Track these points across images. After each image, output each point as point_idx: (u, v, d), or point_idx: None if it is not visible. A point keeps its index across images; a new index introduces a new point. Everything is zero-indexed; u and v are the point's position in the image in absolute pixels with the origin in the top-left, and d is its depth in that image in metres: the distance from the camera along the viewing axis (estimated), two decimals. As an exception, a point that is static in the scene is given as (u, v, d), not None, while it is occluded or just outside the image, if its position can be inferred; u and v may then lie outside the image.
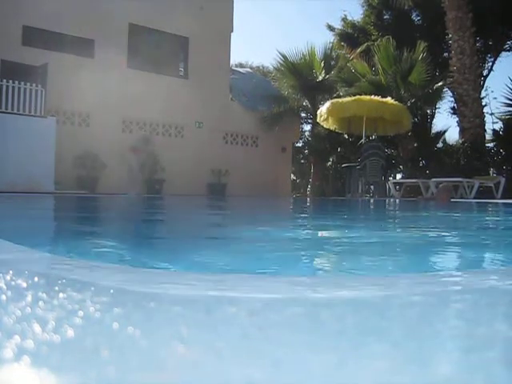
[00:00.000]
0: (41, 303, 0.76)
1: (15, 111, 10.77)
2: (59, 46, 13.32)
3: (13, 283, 0.95)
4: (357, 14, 25.12)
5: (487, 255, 2.61)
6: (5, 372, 0.49)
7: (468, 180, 12.70)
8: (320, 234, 3.74)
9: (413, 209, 9.33)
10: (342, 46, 20.13)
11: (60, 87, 12.08)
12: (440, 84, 15.91)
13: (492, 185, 12.97)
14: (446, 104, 19.44)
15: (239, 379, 0.50)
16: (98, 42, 14.01)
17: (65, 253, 2.08)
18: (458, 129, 17.05)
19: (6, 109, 10.67)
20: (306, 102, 18.34)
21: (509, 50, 19.52)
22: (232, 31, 17.08)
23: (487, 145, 15.65)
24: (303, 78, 17.40)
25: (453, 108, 18.71)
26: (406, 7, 19.56)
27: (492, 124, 17.15)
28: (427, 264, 2.21)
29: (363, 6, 20.68)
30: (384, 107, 13.12)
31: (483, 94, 17.26)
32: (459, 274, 1.64)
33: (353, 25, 21.25)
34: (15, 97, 10.84)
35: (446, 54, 17.73)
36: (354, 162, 14.65)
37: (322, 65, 17.69)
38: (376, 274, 1.79)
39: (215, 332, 0.67)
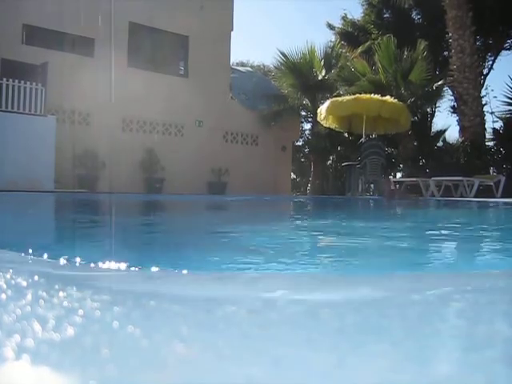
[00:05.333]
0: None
1: (15, 110, 10.76)
2: (59, 44, 13.31)
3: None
4: (357, 12, 25.03)
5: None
6: None
7: (468, 179, 12.68)
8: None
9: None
10: (343, 44, 20.08)
11: (60, 86, 12.06)
12: (440, 83, 15.87)
13: (492, 183, 12.95)
14: (446, 103, 19.38)
15: (239, 378, 0.50)
16: (98, 40, 13.99)
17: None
18: (458, 127, 17.03)
19: (7, 108, 10.66)
20: (306, 101, 18.31)
21: (509, 49, 19.48)
22: (232, 30, 17.06)
23: (487, 143, 15.61)
24: (303, 77, 17.37)
25: (453, 107, 18.66)
26: (406, 6, 19.51)
27: (492, 123, 17.10)
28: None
29: (363, 5, 20.62)
30: (383, 106, 13.09)
31: (483, 92, 17.23)
32: (458, 273, 1.64)
33: (353, 23, 21.20)
34: (15, 96, 10.83)
35: (446, 53, 17.68)
36: (354, 160, 14.63)
37: (322, 64, 17.66)
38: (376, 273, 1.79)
39: (215, 331, 0.67)
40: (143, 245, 2.78)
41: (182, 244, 2.75)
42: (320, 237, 3.79)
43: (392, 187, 13.02)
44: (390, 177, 17.54)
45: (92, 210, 6.78)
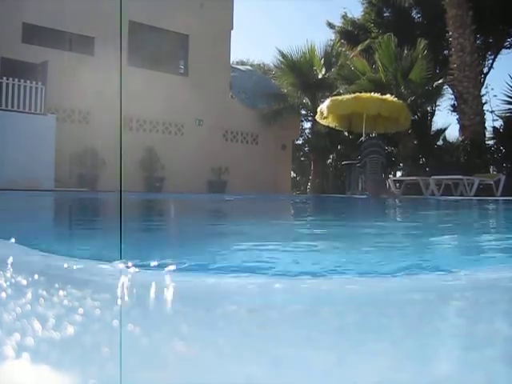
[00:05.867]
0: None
1: (15, 109, 10.76)
2: (59, 43, 13.29)
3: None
4: (357, 11, 25.02)
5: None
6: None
7: (468, 178, 12.68)
8: None
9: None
10: (343, 43, 20.06)
11: (60, 85, 12.06)
12: (440, 81, 15.87)
13: (492, 182, 12.96)
14: (446, 101, 19.38)
15: (239, 377, 0.50)
16: (98, 39, 13.98)
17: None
18: (458, 126, 17.02)
19: (7, 106, 10.66)
20: (306, 100, 18.31)
21: (509, 48, 19.46)
22: (232, 29, 17.04)
23: (487, 142, 15.61)
24: (303, 76, 17.37)
25: (453, 105, 18.65)
26: (406, 5, 19.50)
27: (492, 121, 17.09)
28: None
29: (363, 4, 20.60)
30: (383, 104, 13.09)
31: (483, 91, 17.20)
32: (458, 272, 1.64)
33: (353, 22, 21.19)
34: (15, 94, 10.83)
35: (446, 52, 17.68)
36: (354, 159, 14.63)
37: (322, 62, 17.65)
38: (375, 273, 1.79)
39: (216, 330, 0.67)
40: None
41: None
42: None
43: (376, 185, 13.37)
44: (390, 176, 17.55)
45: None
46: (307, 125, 22.35)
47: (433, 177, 13.12)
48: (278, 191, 17.00)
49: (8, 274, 1.05)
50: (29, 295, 0.83)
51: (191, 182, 14.71)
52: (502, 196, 12.39)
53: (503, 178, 13.02)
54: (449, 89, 17.34)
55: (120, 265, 1.46)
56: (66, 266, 1.37)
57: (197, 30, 15.68)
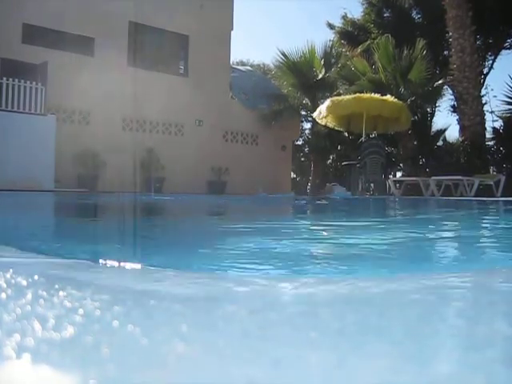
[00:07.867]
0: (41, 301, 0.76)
1: (15, 109, 10.76)
2: (59, 43, 13.29)
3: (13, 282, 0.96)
4: (357, 11, 24.95)
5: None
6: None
7: (468, 178, 12.68)
8: None
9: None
10: (342, 44, 20.08)
11: (60, 85, 12.06)
12: (440, 82, 15.88)
13: (492, 183, 12.95)
14: (446, 102, 19.39)
15: (239, 378, 0.50)
16: (98, 40, 13.99)
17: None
18: (458, 127, 17.02)
19: (6, 107, 10.66)
20: (306, 100, 18.32)
21: (509, 48, 19.46)
22: (232, 29, 17.05)
23: (487, 143, 15.61)
24: (303, 77, 17.37)
25: (453, 106, 18.64)
26: (406, 5, 19.51)
27: (492, 122, 17.08)
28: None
29: (363, 4, 20.59)
30: (383, 105, 13.10)
31: (483, 92, 17.19)
32: (459, 272, 1.64)
33: (353, 23, 21.18)
34: (15, 95, 10.83)
35: (446, 52, 17.67)
36: (354, 160, 14.64)
37: (322, 63, 17.65)
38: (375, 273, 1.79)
39: (215, 331, 0.67)
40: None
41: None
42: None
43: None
44: (390, 176, 17.56)
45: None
46: (307, 125, 22.37)
47: (433, 177, 13.12)
48: (278, 192, 16.98)
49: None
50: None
51: (191, 182, 14.72)
52: (502, 197, 12.38)
53: (503, 178, 13.02)
54: (449, 89, 17.36)
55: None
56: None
57: (197, 31, 15.69)
